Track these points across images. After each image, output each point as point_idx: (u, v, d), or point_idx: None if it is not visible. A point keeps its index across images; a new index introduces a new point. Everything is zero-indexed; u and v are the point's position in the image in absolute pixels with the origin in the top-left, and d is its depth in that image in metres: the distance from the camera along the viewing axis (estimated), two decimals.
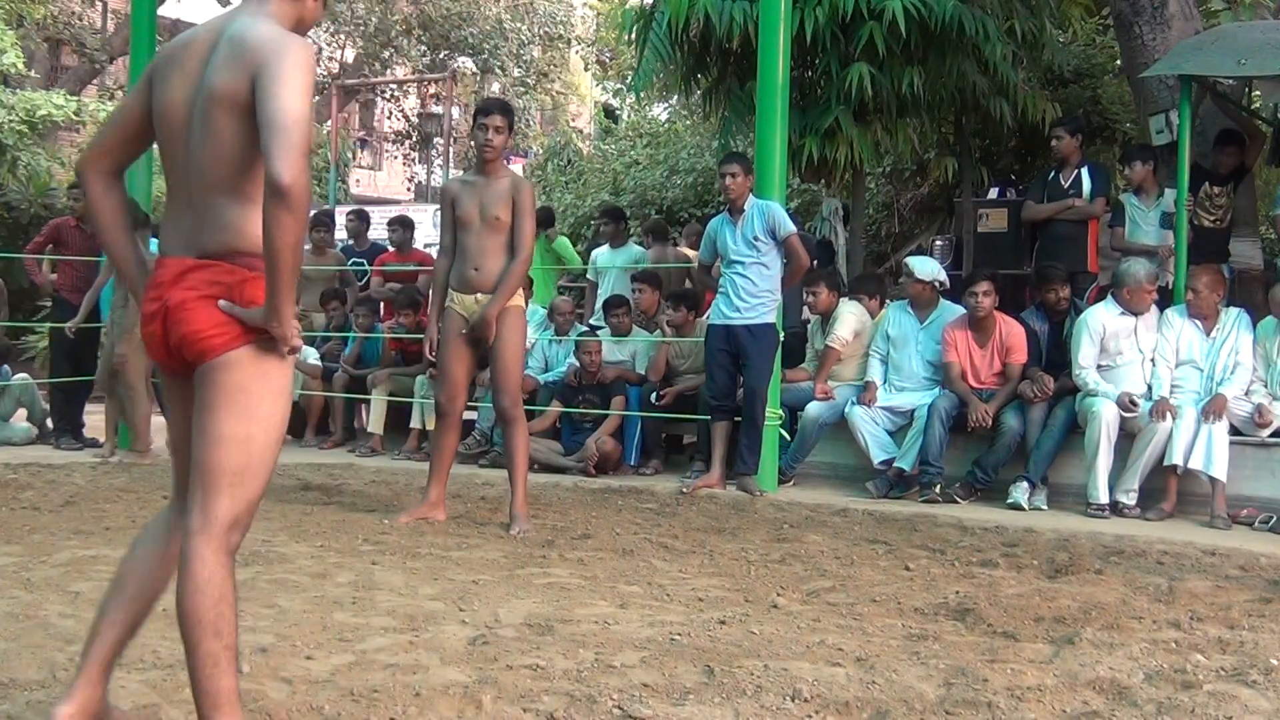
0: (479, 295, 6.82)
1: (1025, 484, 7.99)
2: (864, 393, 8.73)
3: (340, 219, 14.03)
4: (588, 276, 11.58)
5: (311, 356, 11.24)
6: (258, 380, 3.05)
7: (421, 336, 10.48)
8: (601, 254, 11.01)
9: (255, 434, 3.04)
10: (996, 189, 12.13)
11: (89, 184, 3.29)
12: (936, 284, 8.96)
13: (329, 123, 22.42)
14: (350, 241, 12.69)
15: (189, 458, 3.11)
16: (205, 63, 3.08)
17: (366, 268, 12.14)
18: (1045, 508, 7.96)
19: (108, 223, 3.30)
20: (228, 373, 3.02)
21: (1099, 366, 8.12)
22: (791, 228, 8.47)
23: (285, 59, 2.95)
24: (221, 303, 3.03)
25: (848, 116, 10.40)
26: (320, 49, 27.26)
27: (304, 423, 11.28)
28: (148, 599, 3.29)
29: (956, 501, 8.10)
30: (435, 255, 7.19)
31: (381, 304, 11.41)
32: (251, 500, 3.07)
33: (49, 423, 10.90)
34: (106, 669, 3.23)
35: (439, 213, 7.47)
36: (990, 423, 8.20)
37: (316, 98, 26.42)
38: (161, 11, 16.79)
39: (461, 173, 7.16)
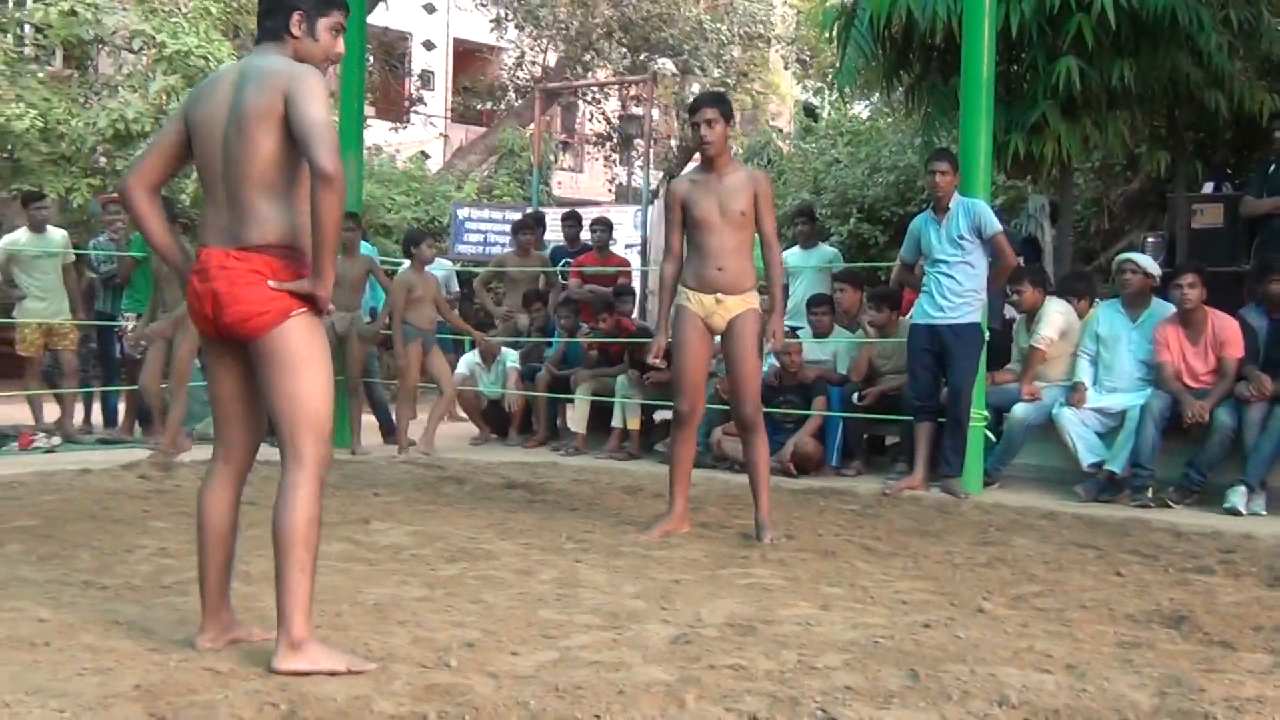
0: (720, 295, 6.57)
1: (1243, 488, 7.72)
2: (1072, 393, 8.54)
3: (552, 221, 14.21)
4: None
5: (510, 359, 11.43)
6: (306, 344, 3.85)
7: (619, 340, 10.64)
8: (793, 255, 10.94)
9: (319, 386, 3.87)
10: (1212, 183, 11.74)
11: (135, 200, 4.04)
12: (1153, 280, 8.73)
13: (531, 126, 22.73)
14: (563, 244, 12.84)
15: (229, 413, 4.05)
16: (236, 91, 3.87)
17: (565, 269, 12.28)
18: (1264, 513, 7.68)
19: (155, 228, 4.08)
20: (282, 343, 3.82)
21: None
22: (998, 226, 8.32)
23: (306, 82, 3.78)
24: (271, 282, 3.82)
25: (1055, 111, 10.18)
26: (523, 54, 27.65)
27: (508, 422, 11.46)
28: (229, 538, 4.09)
29: (1170, 506, 7.86)
30: (661, 258, 6.98)
31: (581, 305, 11.52)
32: (327, 436, 3.90)
33: None
34: (222, 598, 4.09)
35: (640, 214, 7.46)
36: (1206, 419, 7.94)
37: (519, 101, 26.88)
38: (370, 19, 17.25)
39: (687, 173, 6.97)
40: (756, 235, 6.66)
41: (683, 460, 6.75)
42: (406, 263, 10.76)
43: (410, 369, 10.28)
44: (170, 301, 9.39)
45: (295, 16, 3.98)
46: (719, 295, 6.57)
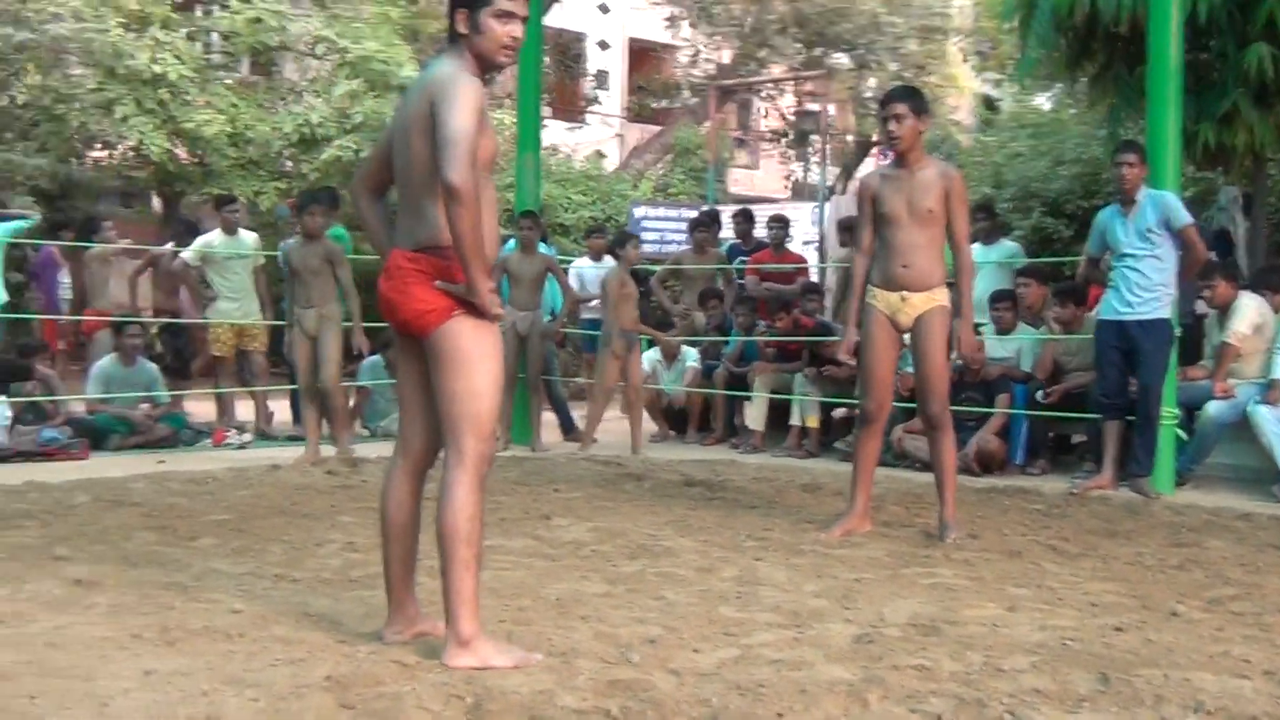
0: (905, 293, 6.48)
1: None
2: (1269, 391, 8.27)
3: (727, 219, 14.21)
4: None
5: (691, 359, 11.45)
6: (472, 344, 3.90)
7: (797, 339, 10.60)
8: (973, 250, 10.74)
9: (479, 386, 3.90)
10: None
11: (356, 201, 4.32)
12: None
13: (707, 123, 22.79)
14: (738, 241, 12.83)
15: (411, 410, 4.14)
16: (408, 99, 4.03)
17: (742, 267, 12.26)
18: None
19: (371, 229, 4.30)
20: (447, 341, 3.90)
21: None
22: (1187, 218, 8.09)
23: (452, 90, 3.82)
24: (438, 283, 3.90)
25: (1246, 100, 9.92)
26: (698, 51, 27.70)
27: (686, 420, 11.49)
28: (411, 533, 4.16)
29: None
30: (854, 255, 6.90)
31: (758, 302, 11.49)
32: (489, 436, 3.96)
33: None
34: (407, 592, 4.18)
35: (817, 211, 7.40)
36: None
37: (695, 99, 26.94)
38: (545, 21, 17.42)
39: (879, 168, 6.88)
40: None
41: (867, 458, 6.70)
42: (611, 261, 10.83)
43: (614, 369, 10.35)
44: (316, 297, 9.43)
45: (459, 15, 4.01)
46: (904, 293, 6.49)
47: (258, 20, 16.48)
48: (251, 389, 11.15)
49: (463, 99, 3.81)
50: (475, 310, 3.90)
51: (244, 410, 11.31)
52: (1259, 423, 8.19)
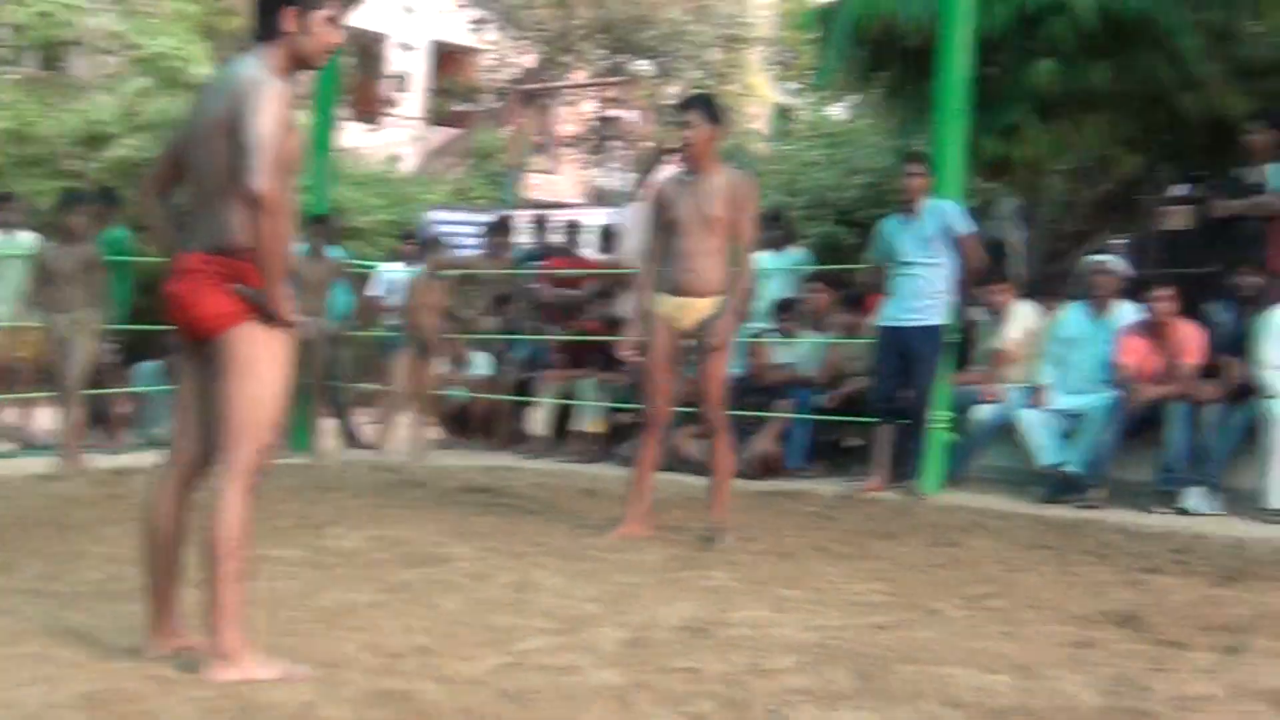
0: (688, 299, 6.51)
1: (1198, 488, 7.75)
2: (1035, 394, 8.55)
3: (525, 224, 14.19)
4: None
5: (480, 364, 11.40)
6: (260, 350, 3.83)
7: (587, 339, 10.64)
8: (761, 258, 10.92)
9: (263, 394, 3.84)
10: (1182, 186, 11.77)
11: (145, 200, 4.17)
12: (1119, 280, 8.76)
13: (507, 128, 22.73)
14: (532, 245, 12.82)
15: (186, 417, 4.03)
16: (210, 99, 3.91)
17: (535, 272, 12.25)
18: (1218, 512, 7.72)
19: (162, 229, 4.15)
20: (237, 346, 3.82)
21: None
22: (967, 227, 8.34)
23: (257, 96, 3.74)
24: (236, 287, 3.81)
25: (1030, 114, 10.21)
26: (502, 55, 27.60)
27: (470, 425, 11.43)
28: (176, 543, 4.04)
29: (1096, 507, 7.88)
30: (640, 259, 6.93)
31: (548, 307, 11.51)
32: (265, 446, 3.89)
33: None
34: (169, 605, 4.06)
35: (614, 217, 7.41)
36: (1145, 401, 8.00)
37: (499, 103, 26.86)
38: (347, 21, 17.20)
39: (674, 174, 6.90)
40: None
41: (646, 463, 6.73)
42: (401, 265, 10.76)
43: (409, 373, 10.27)
44: (71, 302, 9.10)
45: (288, 13, 3.92)
46: (688, 298, 6.51)
47: (47, 14, 15.98)
48: (15, 396, 10.75)
49: (269, 104, 3.74)
50: (269, 316, 3.84)
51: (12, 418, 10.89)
52: (1024, 426, 8.45)
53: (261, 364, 3.85)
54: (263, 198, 3.67)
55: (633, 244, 13.41)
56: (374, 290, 12.55)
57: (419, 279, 10.39)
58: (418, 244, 12.22)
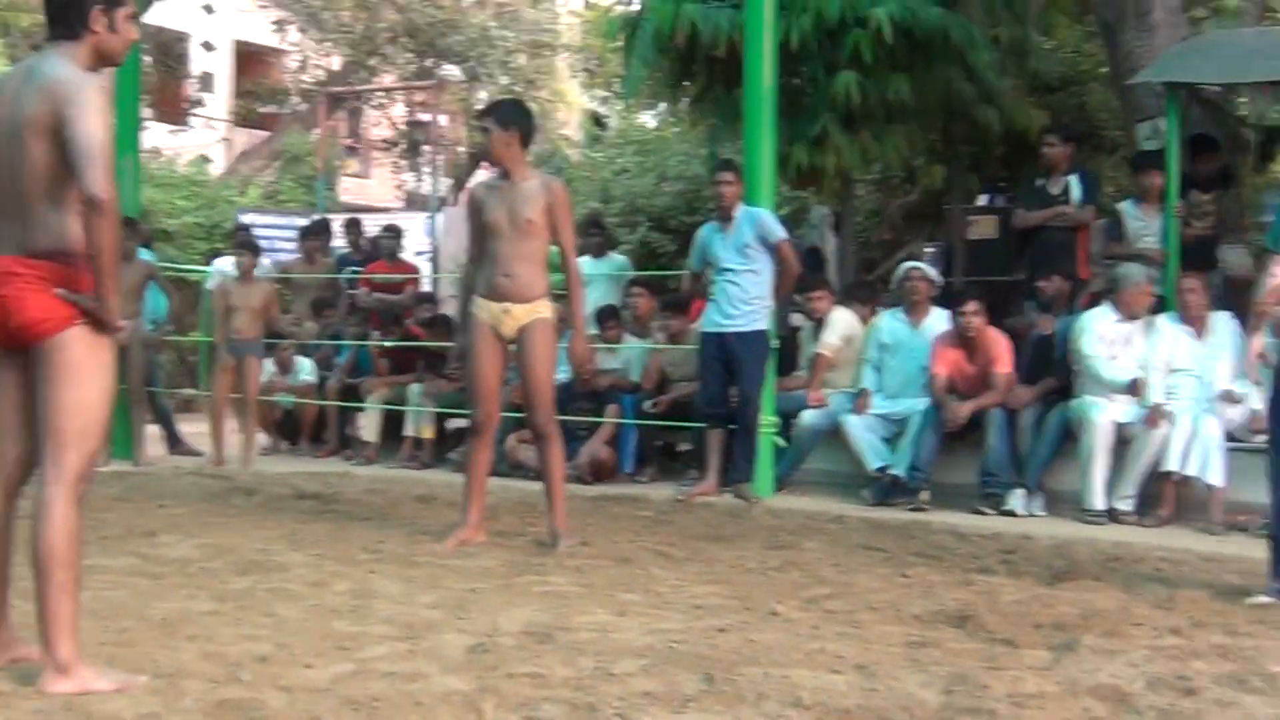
0: (508, 304, 6.48)
1: (1021, 490, 8.01)
2: (858, 399, 8.74)
3: (337, 228, 14.02)
4: None
5: (305, 371, 11.25)
6: (88, 356, 3.76)
7: (409, 344, 10.57)
8: (584, 263, 10.96)
9: (91, 399, 3.78)
10: (986, 196, 12.15)
11: None
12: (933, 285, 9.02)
13: (316, 130, 22.37)
14: (348, 250, 12.67)
15: (6, 425, 3.91)
16: (17, 97, 3.78)
17: (354, 276, 12.13)
18: (1042, 514, 7.99)
19: None
20: (62, 352, 3.73)
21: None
22: (782, 234, 8.48)
23: (83, 96, 3.69)
24: (59, 290, 3.73)
25: (835, 124, 10.43)
26: (306, 57, 27.19)
27: (298, 431, 11.28)
28: (5, 553, 3.97)
29: (924, 510, 8.09)
30: (463, 263, 6.87)
31: (370, 312, 11.40)
32: (92, 453, 3.83)
33: None
34: (2, 615, 3.99)
35: (429, 221, 7.38)
36: (961, 421, 8.21)
37: (305, 105, 26.41)
38: (145, 18, 16.77)
39: (487, 178, 6.86)
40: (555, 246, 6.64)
41: (479, 469, 6.70)
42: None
43: (225, 381, 10.09)
44: None
45: (95, 11, 3.86)
46: (506, 304, 6.49)
47: None
48: None
49: (96, 105, 3.69)
50: (94, 321, 3.76)
51: None
52: (849, 430, 8.64)
53: (87, 370, 3.76)
54: (103, 203, 3.62)
55: (449, 248, 13.36)
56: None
57: (228, 282, 10.20)
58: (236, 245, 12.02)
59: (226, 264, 12.63)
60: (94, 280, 3.73)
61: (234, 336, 9.99)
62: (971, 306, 8.37)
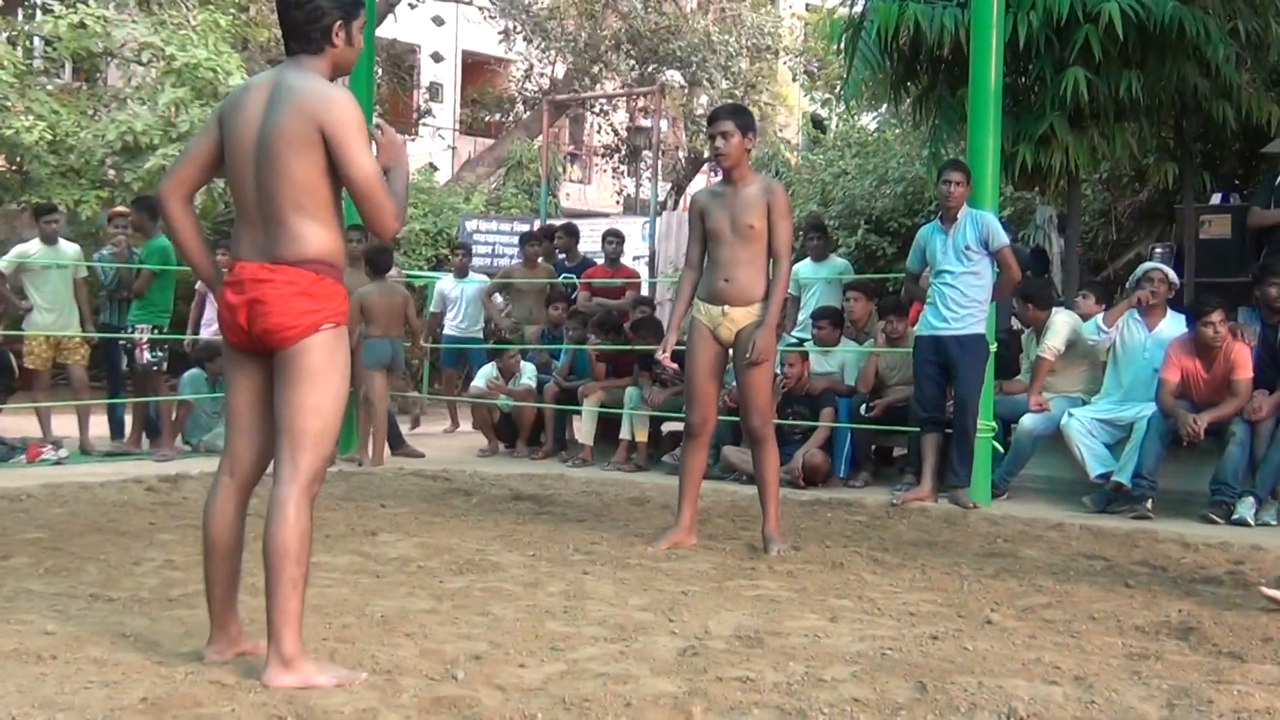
0: (726, 308, 6.51)
1: (1252, 499, 7.71)
2: (1080, 404, 8.52)
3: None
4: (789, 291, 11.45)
5: (527, 375, 11.42)
6: (328, 361, 3.89)
7: (625, 348, 10.65)
8: (804, 267, 10.94)
9: (328, 403, 3.89)
10: (1220, 194, 11.73)
11: (169, 208, 4.07)
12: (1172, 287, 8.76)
13: (539, 138, 22.77)
14: (561, 256, 12.86)
15: (243, 425, 4.04)
16: (267, 109, 3.89)
17: (576, 281, 12.30)
18: (1274, 523, 7.69)
19: (187, 238, 4.12)
20: (305, 356, 3.85)
21: None
22: (1005, 239, 8.30)
23: (348, 119, 3.83)
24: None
25: (1063, 122, 10.20)
26: (531, 66, 27.69)
27: (516, 434, 11.47)
28: (235, 550, 4.07)
29: (1148, 518, 7.82)
30: (681, 268, 6.94)
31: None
32: (327, 456, 3.94)
33: None
34: (229, 611, 4.09)
35: (648, 226, 7.42)
36: (1201, 435, 7.91)
37: (527, 113, 26.90)
38: (379, 32, 17.28)
39: (708, 184, 6.87)
40: None
41: (693, 472, 6.72)
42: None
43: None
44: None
45: (336, 26, 3.99)
46: (725, 307, 6.52)
47: (81, 26, 16.07)
48: (71, 403, 10.85)
49: (362, 128, 3.85)
50: (335, 328, 3.92)
51: (60, 425, 10.97)
52: (1071, 435, 8.42)
53: (327, 374, 3.89)
54: (395, 238, 3.78)
55: (667, 252, 13.46)
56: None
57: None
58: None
59: (446, 281, 13.12)
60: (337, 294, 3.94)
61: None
62: (1217, 316, 8.04)
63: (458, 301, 13.20)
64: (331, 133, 3.80)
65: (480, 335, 13.21)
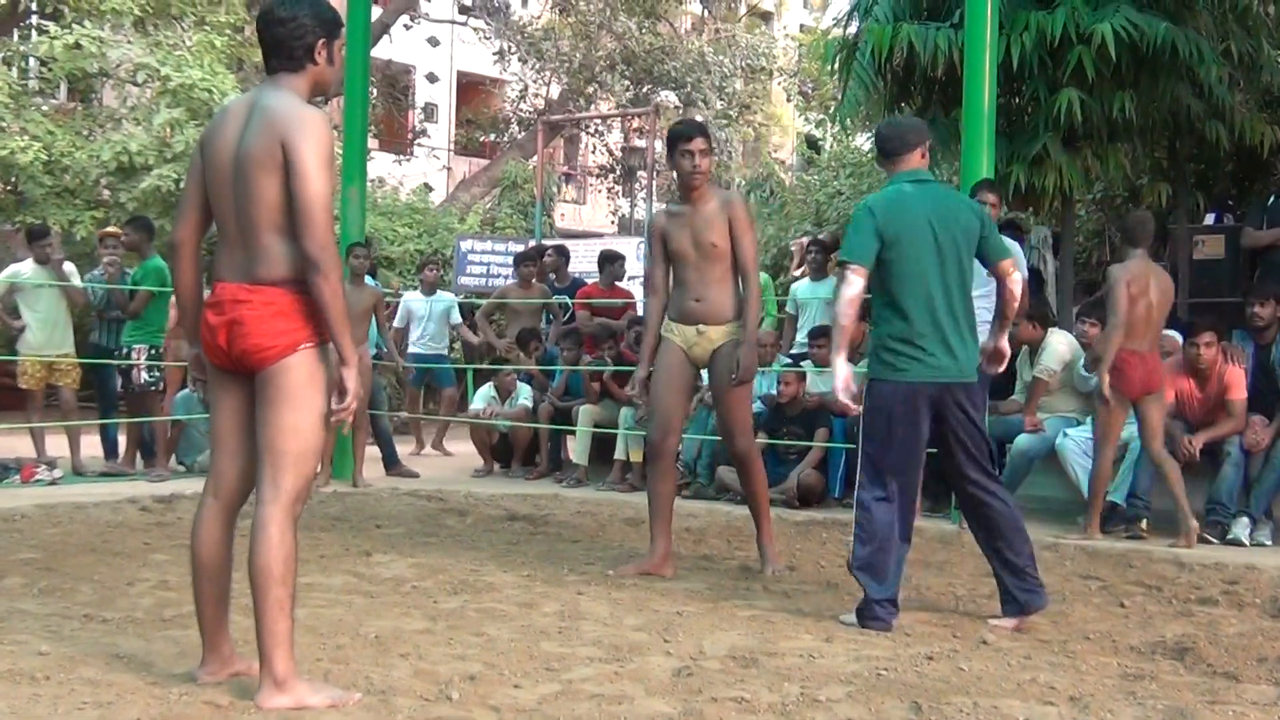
0: (702, 326, 6.38)
1: (1247, 519, 7.71)
2: (1075, 425, 8.51)
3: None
4: (786, 309, 11.47)
5: (524, 395, 11.41)
6: (308, 381, 3.88)
7: (622, 369, 10.65)
8: (802, 287, 10.94)
9: (308, 423, 3.88)
10: (1213, 215, 11.78)
11: (178, 258, 4.15)
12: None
13: (534, 158, 22.81)
14: (551, 276, 12.84)
15: (226, 446, 4.05)
16: (242, 129, 3.90)
17: (568, 302, 12.29)
18: (1269, 543, 7.69)
19: (184, 283, 4.15)
20: (284, 376, 3.85)
21: None
22: (1023, 266, 8.27)
23: (311, 140, 3.79)
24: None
25: (1056, 143, 10.24)
26: (526, 86, 27.74)
27: (511, 453, 11.46)
28: (224, 571, 4.07)
29: (1143, 538, 7.82)
30: (643, 290, 6.87)
31: (584, 336, 11.53)
32: (309, 476, 3.95)
33: None
34: (220, 632, 4.08)
35: (643, 246, 7.38)
36: (1196, 456, 7.93)
37: (522, 133, 26.95)
38: (374, 53, 17.32)
39: (666, 205, 6.75)
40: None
41: (662, 497, 6.47)
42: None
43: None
44: None
45: (319, 45, 4.00)
46: (701, 326, 6.40)
47: (76, 46, 16.10)
48: (65, 424, 10.83)
49: (325, 151, 3.82)
50: (315, 347, 3.90)
51: (51, 446, 10.94)
52: (1066, 455, 8.43)
53: (307, 394, 3.87)
54: (319, 260, 3.78)
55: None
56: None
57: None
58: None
59: (414, 297, 13.10)
60: (331, 333, 3.88)
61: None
62: (1206, 338, 8.05)
63: (424, 319, 12.97)
64: (290, 148, 3.78)
65: (444, 352, 13.18)
